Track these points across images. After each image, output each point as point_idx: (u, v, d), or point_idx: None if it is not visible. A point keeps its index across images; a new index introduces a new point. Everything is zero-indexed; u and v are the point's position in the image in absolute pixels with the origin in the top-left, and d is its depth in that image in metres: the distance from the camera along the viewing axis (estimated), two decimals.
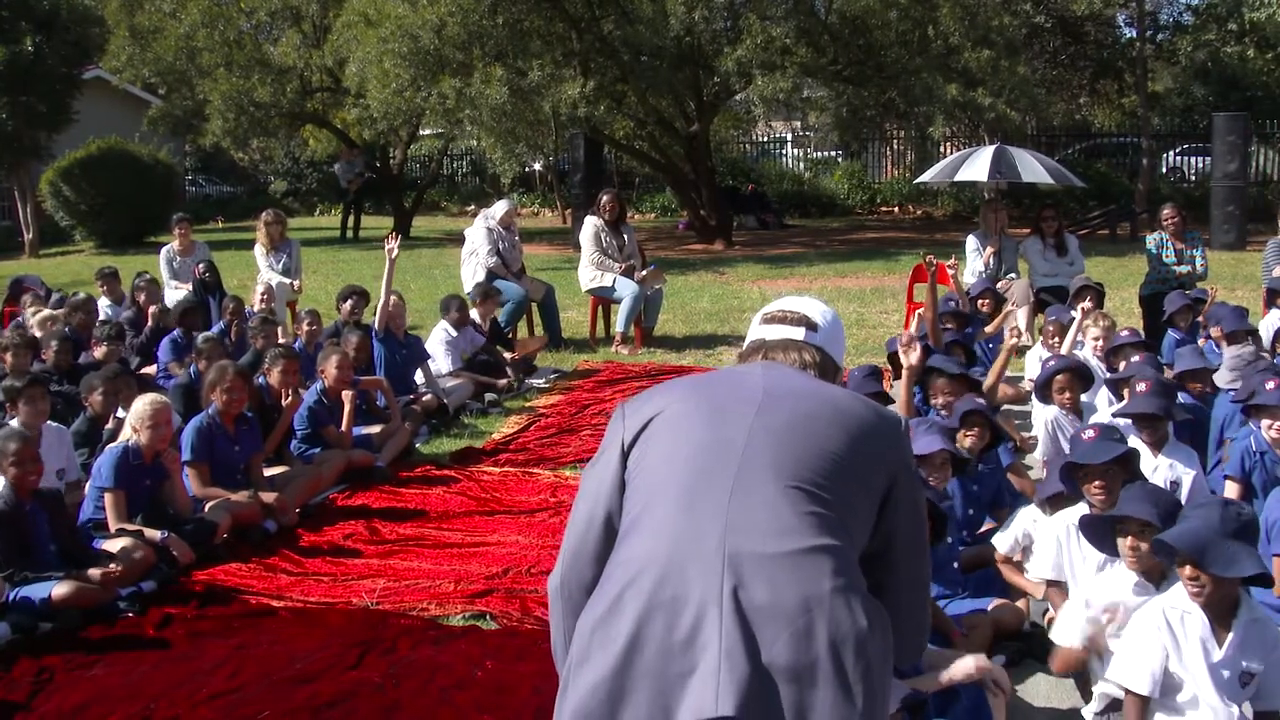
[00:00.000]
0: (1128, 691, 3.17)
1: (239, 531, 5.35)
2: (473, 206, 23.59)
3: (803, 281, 13.77)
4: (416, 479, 6.31)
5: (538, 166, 25.90)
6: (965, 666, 3.08)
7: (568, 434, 7.13)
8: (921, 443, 4.12)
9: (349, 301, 8.20)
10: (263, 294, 8.97)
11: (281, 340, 7.55)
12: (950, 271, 7.73)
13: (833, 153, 27.80)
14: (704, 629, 1.84)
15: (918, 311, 8.35)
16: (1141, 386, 4.81)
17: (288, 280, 10.13)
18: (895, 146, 26.40)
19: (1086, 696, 3.58)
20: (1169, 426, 4.81)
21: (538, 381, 8.58)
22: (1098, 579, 3.65)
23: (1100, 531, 3.55)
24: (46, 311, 8.08)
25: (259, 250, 10.40)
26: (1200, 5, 23.81)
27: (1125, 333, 6.31)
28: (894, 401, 5.13)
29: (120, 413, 5.70)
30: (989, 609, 4.06)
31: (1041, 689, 3.81)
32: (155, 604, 4.60)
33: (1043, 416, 5.73)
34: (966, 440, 4.69)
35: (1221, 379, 5.68)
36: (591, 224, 10.03)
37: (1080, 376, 5.68)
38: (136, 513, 5.07)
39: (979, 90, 15.15)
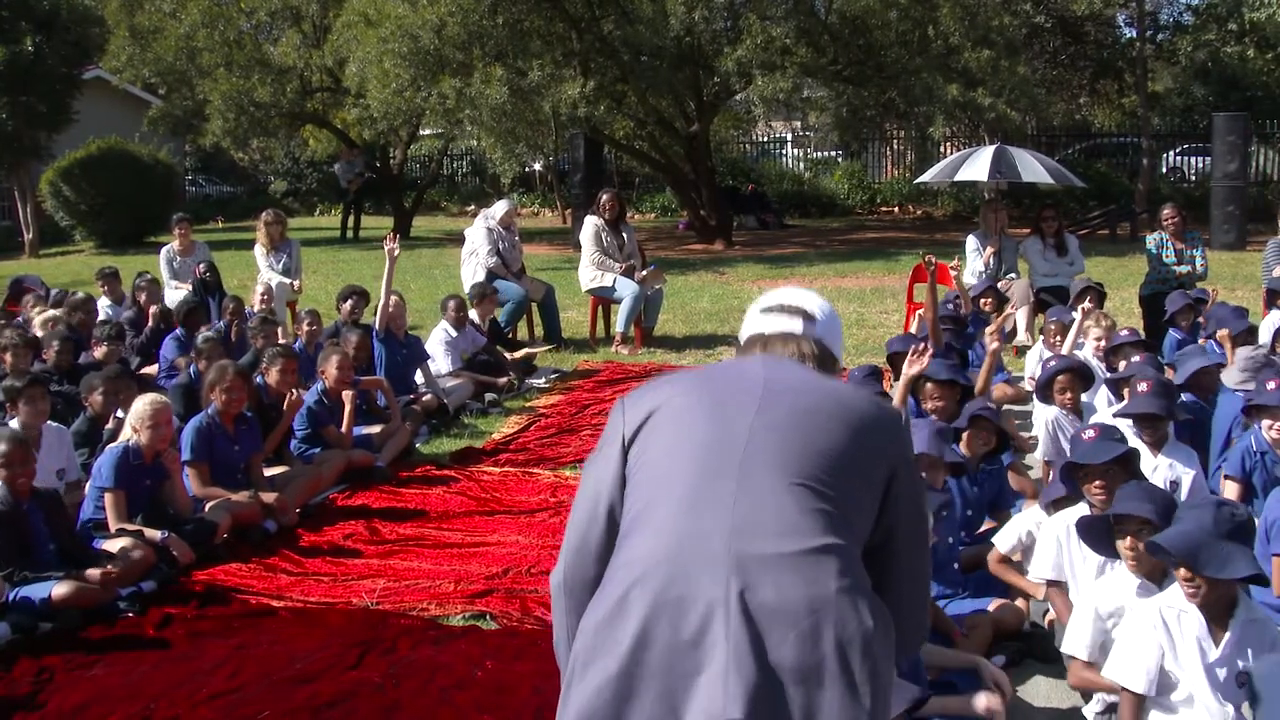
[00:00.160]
0: (1123, 689, 3.17)
1: (239, 531, 5.35)
2: (473, 206, 23.58)
3: (803, 282, 13.73)
4: (416, 479, 6.31)
5: (538, 166, 25.89)
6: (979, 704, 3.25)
7: (568, 434, 7.13)
8: (915, 440, 4.12)
9: (349, 301, 8.20)
10: (263, 294, 8.96)
11: (281, 340, 7.55)
12: (951, 272, 7.72)
13: (833, 153, 27.78)
14: (711, 629, 1.83)
15: (918, 312, 8.35)
16: (1142, 386, 4.80)
17: (288, 280, 10.14)
18: (895, 146, 26.38)
19: (1086, 696, 3.59)
20: (1169, 426, 4.81)
21: (538, 381, 8.58)
22: (1100, 583, 3.63)
23: (1098, 533, 3.54)
24: (50, 312, 8.07)
25: (259, 250, 10.41)
26: (1200, 5, 23.79)
27: (1125, 333, 6.31)
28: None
29: (120, 413, 5.69)
30: (989, 609, 4.06)
31: (1041, 689, 3.81)
32: (155, 604, 4.60)
33: (1043, 417, 5.72)
34: (971, 443, 4.70)
35: (1232, 380, 5.63)
36: (591, 224, 10.02)
37: (1081, 377, 5.68)
38: (136, 513, 5.07)
39: (979, 90, 15.14)
